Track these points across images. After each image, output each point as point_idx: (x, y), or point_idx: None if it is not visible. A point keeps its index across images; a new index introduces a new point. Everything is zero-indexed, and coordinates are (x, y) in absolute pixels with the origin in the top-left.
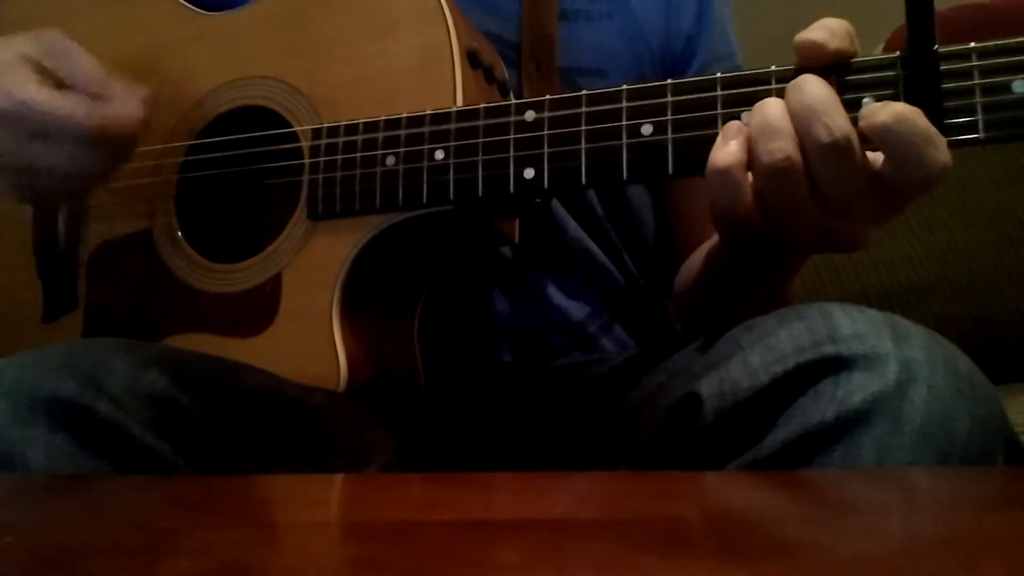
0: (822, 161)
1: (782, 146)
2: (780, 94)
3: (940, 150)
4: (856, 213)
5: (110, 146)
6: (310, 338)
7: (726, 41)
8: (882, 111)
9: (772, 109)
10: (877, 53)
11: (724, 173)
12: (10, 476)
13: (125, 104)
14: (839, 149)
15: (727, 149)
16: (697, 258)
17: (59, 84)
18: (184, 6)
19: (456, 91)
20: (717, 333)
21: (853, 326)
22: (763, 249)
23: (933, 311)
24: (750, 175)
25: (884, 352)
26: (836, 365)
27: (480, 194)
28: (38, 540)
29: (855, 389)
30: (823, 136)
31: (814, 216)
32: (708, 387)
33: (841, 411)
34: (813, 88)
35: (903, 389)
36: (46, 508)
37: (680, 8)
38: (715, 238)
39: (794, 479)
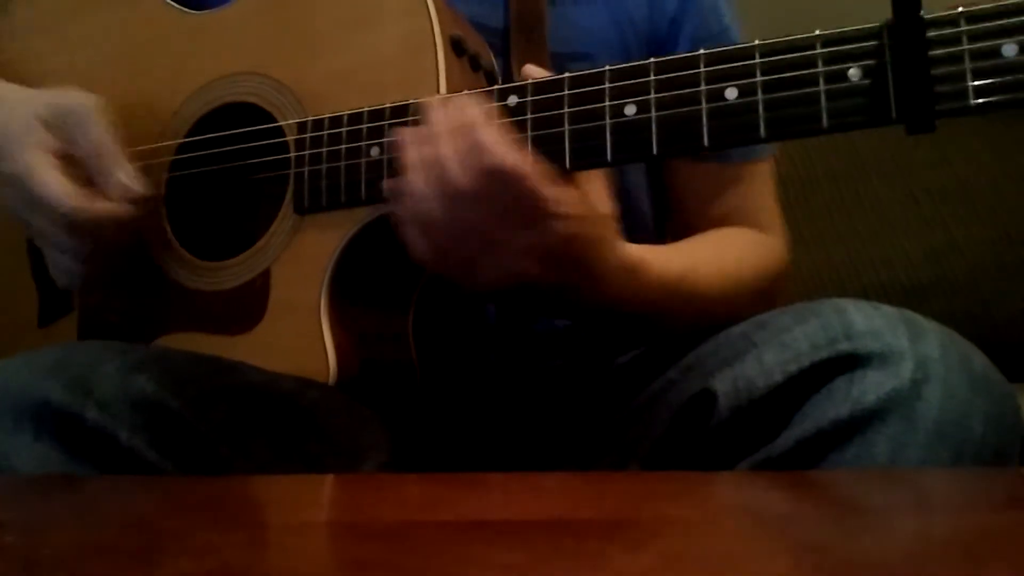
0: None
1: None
2: (764, 67)
3: None
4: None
5: (89, 236)
6: (299, 333)
7: (717, 18)
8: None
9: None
10: None
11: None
12: (10, 477)
13: (115, 194)
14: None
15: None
16: None
17: (65, 153)
18: (170, 5)
19: (440, 80)
20: (731, 330)
21: (868, 323)
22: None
23: (933, 311)
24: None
25: (899, 350)
26: (851, 363)
27: None
28: (37, 541)
29: (870, 387)
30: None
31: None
32: (723, 384)
33: (856, 409)
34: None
35: (918, 388)
36: (45, 509)
37: None
38: None
39: (796, 479)
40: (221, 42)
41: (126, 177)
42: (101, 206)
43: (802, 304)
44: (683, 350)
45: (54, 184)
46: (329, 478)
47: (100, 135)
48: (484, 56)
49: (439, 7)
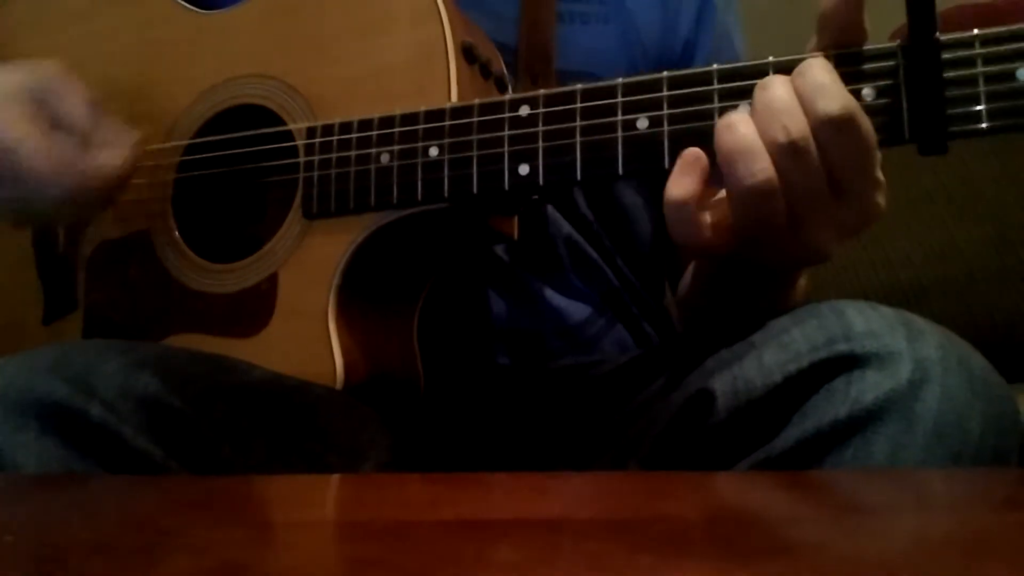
0: (783, 162)
1: (764, 167)
2: None
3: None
4: (817, 218)
5: (90, 196)
6: (306, 338)
7: (730, 45)
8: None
9: (744, 129)
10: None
11: (679, 207)
12: (9, 476)
13: (111, 153)
14: (797, 149)
15: (682, 182)
16: (687, 275)
17: (52, 122)
18: (181, 5)
19: (451, 87)
20: (730, 331)
21: (867, 324)
22: (731, 271)
23: (933, 311)
24: (706, 210)
25: (898, 350)
26: (849, 363)
27: (475, 191)
28: (37, 540)
29: (868, 388)
30: (780, 136)
31: (782, 229)
32: (722, 384)
33: (854, 410)
34: (776, 90)
35: (916, 388)
36: (45, 508)
37: (678, 12)
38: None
39: (795, 479)
40: (231, 43)
41: (118, 131)
42: (99, 161)
43: (801, 306)
44: (682, 350)
45: (47, 146)
46: (329, 477)
47: (81, 101)
48: (495, 63)
49: (451, 14)
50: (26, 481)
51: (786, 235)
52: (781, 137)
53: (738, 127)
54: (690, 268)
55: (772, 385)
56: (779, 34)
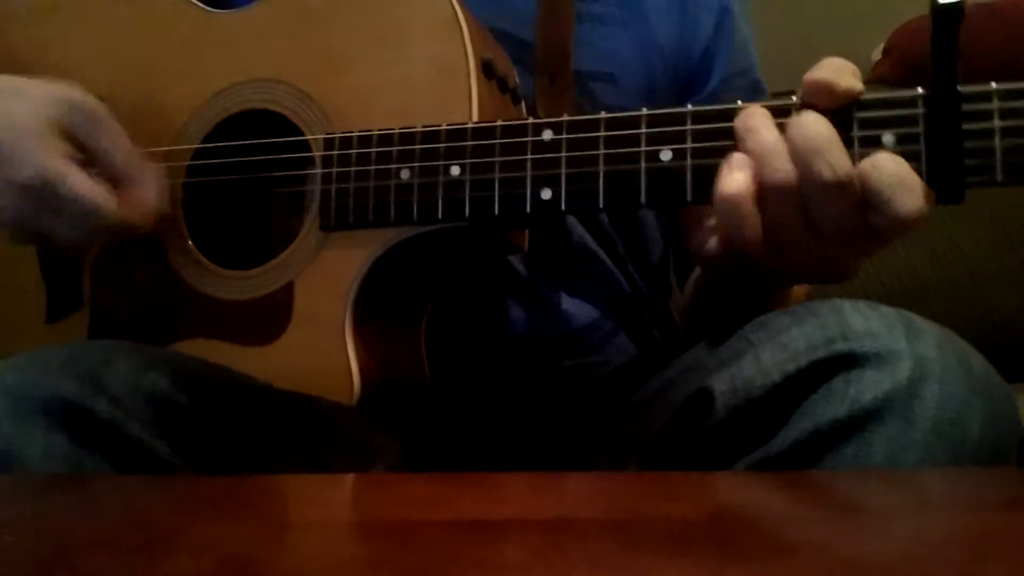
0: (821, 197)
1: (783, 166)
2: None
3: (913, 196)
4: (847, 245)
5: (124, 231)
6: (322, 349)
7: (746, 53)
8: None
9: (768, 133)
10: (877, 53)
11: (731, 201)
12: (10, 475)
13: (145, 196)
14: (841, 186)
15: (733, 177)
16: (689, 288)
17: (85, 154)
18: (193, 4)
19: (472, 105)
20: (729, 331)
21: (866, 323)
22: (757, 280)
23: (933, 312)
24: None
25: (897, 350)
26: (848, 362)
27: (496, 212)
28: (38, 538)
29: (867, 387)
30: (826, 174)
31: (810, 244)
32: (720, 384)
33: (853, 409)
34: (816, 126)
35: (915, 387)
36: (46, 506)
37: (697, 20)
38: (698, 271)
39: (794, 479)
40: (244, 45)
41: (158, 187)
42: (136, 208)
43: (800, 304)
44: (681, 350)
45: (88, 188)
46: (333, 477)
47: (119, 134)
48: (511, 78)
49: (471, 29)
50: (27, 480)
51: (814, 245)
52: (827, 175)
53: (763, 129)
54: (693, 279)
55: (771, 385)
56: (780, 34)
